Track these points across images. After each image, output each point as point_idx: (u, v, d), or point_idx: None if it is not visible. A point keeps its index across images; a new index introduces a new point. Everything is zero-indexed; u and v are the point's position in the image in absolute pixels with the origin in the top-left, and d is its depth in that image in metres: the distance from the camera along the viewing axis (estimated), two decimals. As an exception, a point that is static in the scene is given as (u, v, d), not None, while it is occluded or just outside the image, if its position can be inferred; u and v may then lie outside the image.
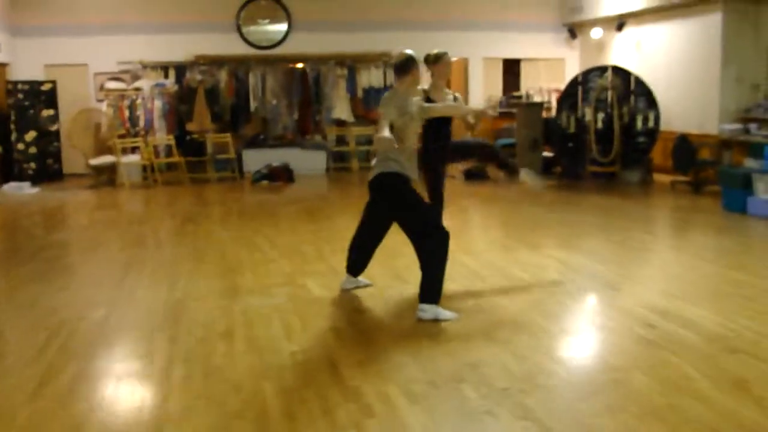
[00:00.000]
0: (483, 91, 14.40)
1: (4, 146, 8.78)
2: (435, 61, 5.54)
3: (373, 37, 13.63)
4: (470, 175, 11.30)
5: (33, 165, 11.65)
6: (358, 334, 4.22)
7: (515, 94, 13.91)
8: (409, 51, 4.89)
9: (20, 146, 11.52)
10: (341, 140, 13.68)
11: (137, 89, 12.16)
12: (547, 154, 11.67)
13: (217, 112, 12.44)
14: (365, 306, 4.77)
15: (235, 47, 13.35)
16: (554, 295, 4.83)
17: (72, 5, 12.87)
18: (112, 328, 4.40)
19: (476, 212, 9.00)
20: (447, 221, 5.00)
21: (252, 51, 13.47)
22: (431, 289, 4.45)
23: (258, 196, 10.61)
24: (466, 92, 14.50)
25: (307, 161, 12.88)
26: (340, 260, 5.29)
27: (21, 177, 11.39)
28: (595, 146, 10.63)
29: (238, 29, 13.46)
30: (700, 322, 4.20)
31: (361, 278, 5.13)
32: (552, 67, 14.30)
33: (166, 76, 12.88)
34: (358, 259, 5.02)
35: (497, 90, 14.37)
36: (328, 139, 13.54)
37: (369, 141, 13.44)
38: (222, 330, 4.27)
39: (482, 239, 7.14)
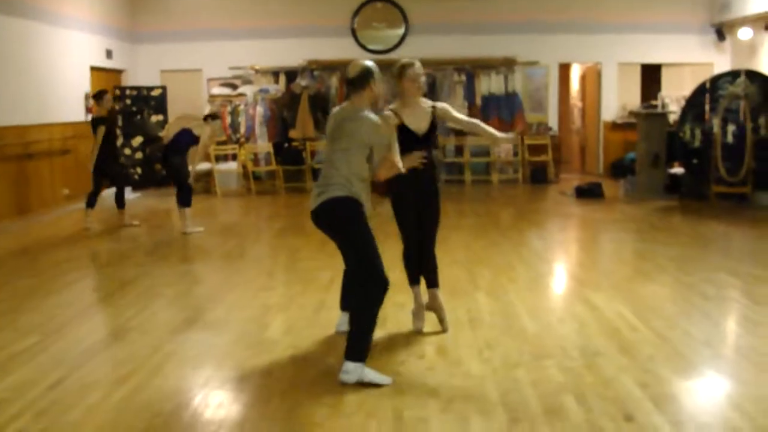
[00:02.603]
0: (618, 99, 14.72)
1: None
2: (398, 75, 5.08)
3: (495, 41, 14.48)
4: (582, 192, 11.71)
5: (138, 170, 13.28)
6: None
7: (653, 103, 14.07)
8: (367, 62, 4.61)
9: (127, 151, 13.23)
10: (459, 151, 14.40)
11: (241, 95, 13.54)
12: (676, 170, 11.85)
13: (320, 119, 13.53)
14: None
15: (349, 52, 14.47)
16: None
17: (189, 11, 14.67)
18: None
19: (554, 235, 9.52)
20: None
21: (366, 56, 14.52)
22: (356, 346, 4.30)
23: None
24: (598, 101, 14.89)
25: (416, 172, 13.67)
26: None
27: (127, 182, 13.02)
28: (721, 163, 10.74)
29: (353, 33, 14.63)
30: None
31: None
32: (698, 72, 14.37)
33: (277, 82, 14.20)
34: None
35: (634, 98, 14.62)
36: (446, 149, 14.30)
37: (486, 152, 14.14)
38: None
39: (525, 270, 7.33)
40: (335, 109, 4.77)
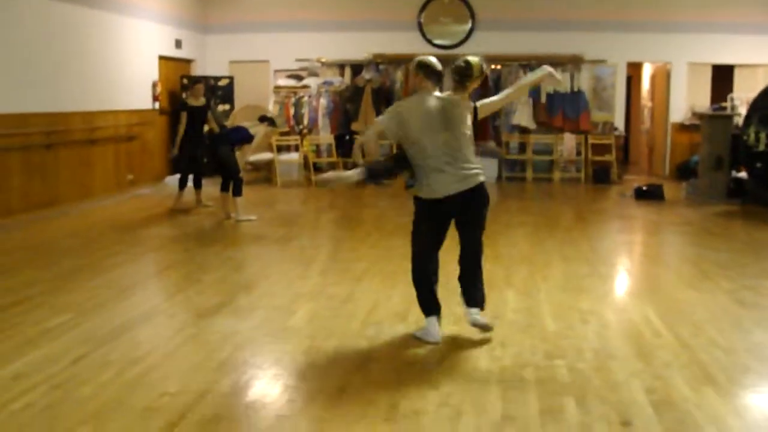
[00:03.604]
0: (687, 100, 14.35)
1: (174, 139, 10.61)
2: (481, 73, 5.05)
3: (562, 39, 14.30)
4: (641, 194, 11.47)
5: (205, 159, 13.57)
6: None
7: (722, 105, 13.66)
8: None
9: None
10: (522, 148, 14.27)
11: (305, 87, 13.70)
12: (741, 174, 11.50)
13: (383, 112, 13.53)
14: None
15: (415, 46, 14.43)
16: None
17: (258, 3, 14.88)
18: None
19: (603, 235, 9.33)
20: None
21: (432, 51, 14.50)
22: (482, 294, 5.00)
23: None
24: (666, 101, 14.55)
25: (476, 168, 13.61)
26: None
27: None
28: (788, 168, 10.40)
29: (420, 27, 14.63)
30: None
31: None
32: (774, 74, 13.89)
33: (342, 75, 14.31)
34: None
35: (704, 99, 14.22)
36: (510, 146, 14.20)
37: (549, 150, 13.99)
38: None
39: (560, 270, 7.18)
40: (440, 96, 4.95)
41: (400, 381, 4.23)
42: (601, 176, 13.87)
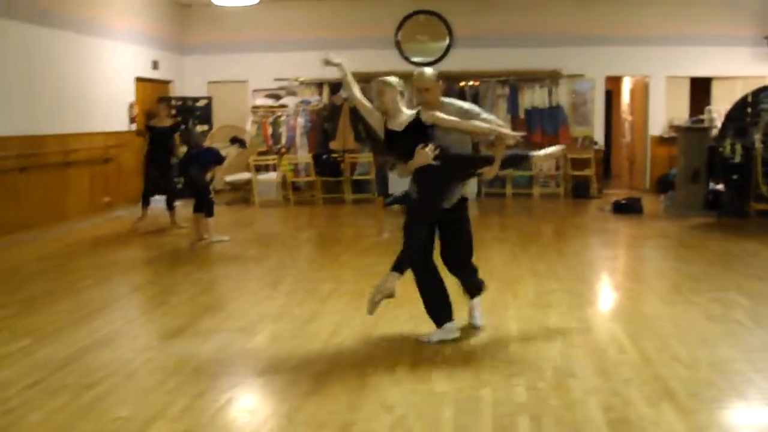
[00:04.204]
0: (665, 113, 14.39)
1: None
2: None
3: (539, 54, 14.32)
4: (620, 208, 11.48)
5: (182, 179, 13.52)
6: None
7: (701, 117, 13.70)
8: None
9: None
10: (501, 164, 14.24)
11: (283, 106, 13.70)
12: (719, 186, 11.50)
13: (361, 131, 13.56)
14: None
15: (393, 64, 14.45)
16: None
17: (236, 23, 14.88)
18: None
19: (577, 251, 9.24)
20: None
21: (410, 68, 14.50)
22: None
23: (383, 221, 11.53)
24: (645, 114, 14.57)
25: (457, 186, 13.57)
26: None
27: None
28: (762, 180, 10.39)
29: (397, 46, 14.65)
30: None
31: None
32: (751, 86, 13.71)
33: (321, 94, 14.29)
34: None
35: (682, 112, 14.27)
36: (489, 162, 14.17)
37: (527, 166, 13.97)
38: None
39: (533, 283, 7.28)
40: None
41: (355, 403, 4.17)
42: (580, 191, 13.87)
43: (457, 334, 5.27)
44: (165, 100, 11.20)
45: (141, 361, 4.94)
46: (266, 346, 5.26)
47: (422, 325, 5.41)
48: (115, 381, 4.56)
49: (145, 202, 10.79)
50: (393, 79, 5.20)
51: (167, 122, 10.78)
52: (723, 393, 4.29)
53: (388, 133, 5.15)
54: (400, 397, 4.26)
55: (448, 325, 5.29)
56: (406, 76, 5.86)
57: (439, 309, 5.31)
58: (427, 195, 5.07)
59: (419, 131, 5.05)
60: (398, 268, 4.92)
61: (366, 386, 4.42)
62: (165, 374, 4.67)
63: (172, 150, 10.76)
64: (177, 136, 10.82)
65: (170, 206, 10.70)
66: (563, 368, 4.69)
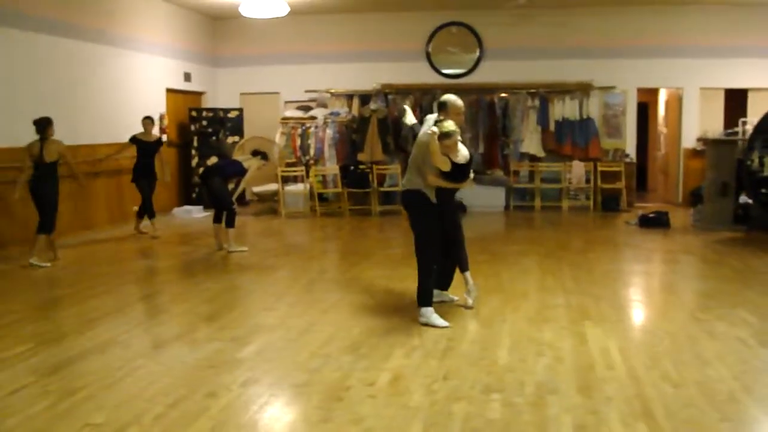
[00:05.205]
0: (699, 125, 14.13)
1: (186, 171, 10.87)
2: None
3: (570, 66, 14.20)
4: (646, 221, 11.28)
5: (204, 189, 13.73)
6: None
7: (735, 130, 13.42)
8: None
9: (201, 171, 13.60)
10: (532, 176, 14.14)
11: (312, 118, 13.77)
12: (749, 200, 11.24)
13: (390, 143, 13.55)
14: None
15: (423, 76, 14.52)
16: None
17: (268, 36, 15.04)
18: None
19: (592, 264, 8.98)
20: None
21: (440, 80, 14.50)
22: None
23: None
24: (678, 127, 14.31)
25: (484, 197, 13.60)
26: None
27: (199, 201, 13.49)
28: (791, 194, 10.14)
29: (428, 57, 14.63)
30: None
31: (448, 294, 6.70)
32: (790, 98, 13.60)
33: (350, 105, 14.34)
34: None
35: (717, 124, 13.99)
36: (520, 175, 14.08)
37: (557, 178, 13.83)
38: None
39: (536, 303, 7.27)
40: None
41: (327, 417, 4.14)
42: (610, 204, 13.66)
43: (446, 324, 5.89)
44: (149, 117, 11.28)
45: (128, 369, 4.98)
46: (254, 356, 5.26)
47: (413, 338, 5.39)
48: (97, 388, 4.60)
49: (151, 213, 10.92)
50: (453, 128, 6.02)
51: (152, 137, 11.05)
52: (701, 413, 4.16)
53: (454, 165, 6.05)
54: (373, 410, 4.23)
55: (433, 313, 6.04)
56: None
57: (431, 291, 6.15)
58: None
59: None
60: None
61: (342, 399, 4.40)
62: (147, 382, 4.71)
63: (156, 163, 11.06)
64: (160, 151, 11.16)
65: (140, 215, 11.02)
66: (546, 384, 4.61)
